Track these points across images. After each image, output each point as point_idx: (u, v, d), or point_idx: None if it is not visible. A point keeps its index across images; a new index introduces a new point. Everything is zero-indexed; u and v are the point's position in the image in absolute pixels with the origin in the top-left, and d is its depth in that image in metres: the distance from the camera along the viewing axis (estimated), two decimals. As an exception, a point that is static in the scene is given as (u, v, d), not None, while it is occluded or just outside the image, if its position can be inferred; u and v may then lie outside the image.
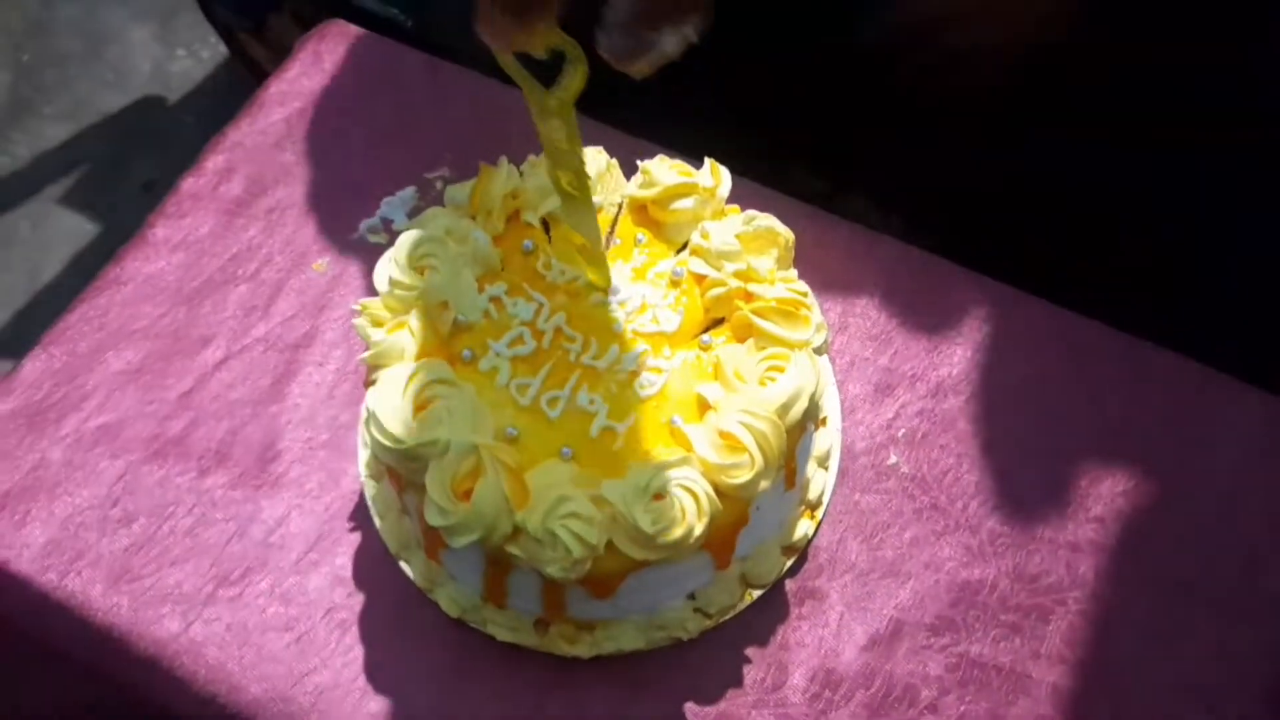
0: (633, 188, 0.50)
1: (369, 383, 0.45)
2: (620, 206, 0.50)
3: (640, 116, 0.60)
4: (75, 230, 1.25)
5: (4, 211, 1.27)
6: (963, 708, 0.46)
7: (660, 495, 0.41)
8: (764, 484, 0.42)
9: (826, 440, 0.51)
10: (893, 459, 0.52)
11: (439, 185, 0.59)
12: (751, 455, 0.41)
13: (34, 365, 0.55)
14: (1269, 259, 0.64)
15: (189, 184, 0.60)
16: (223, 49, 1.36)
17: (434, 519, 0.41)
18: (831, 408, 0.52)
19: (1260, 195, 0.64)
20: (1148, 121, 0.64)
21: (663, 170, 0.49)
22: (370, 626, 0.48)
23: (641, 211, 0.50)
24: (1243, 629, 0.47)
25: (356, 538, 0.50)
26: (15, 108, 1.35)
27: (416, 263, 0.46)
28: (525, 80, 0.41)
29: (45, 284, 1.22)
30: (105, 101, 1.35)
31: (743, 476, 0.41)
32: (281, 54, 1.00)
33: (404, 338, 0.44)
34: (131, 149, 1.31)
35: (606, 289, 0.47)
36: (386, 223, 0.58)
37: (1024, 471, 0.52)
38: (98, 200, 1.27)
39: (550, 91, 0.41)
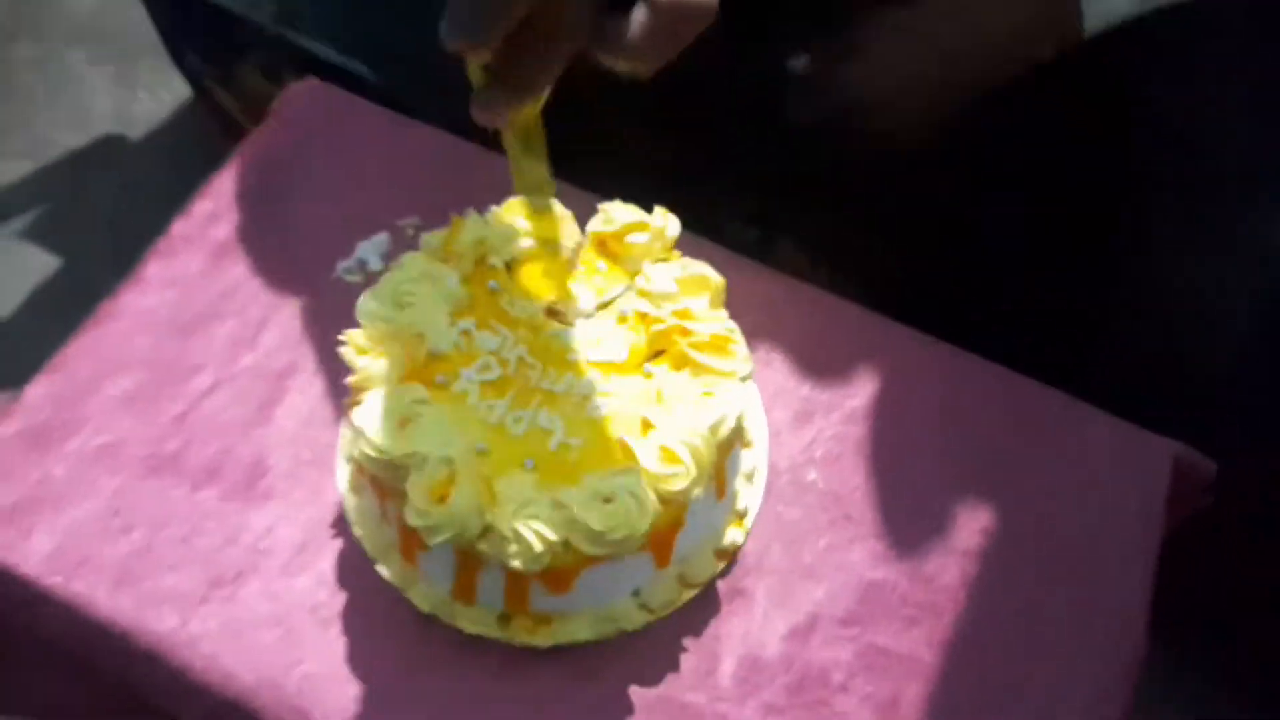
0: (595, 224, 0.57)
1: (352, 404, 0.51)
2: (579, 245, 0.57)
3: (590, 174, 0.67)
4: (38, 265, 1.28)
5: (-36, 247, 1.30)
6: (869, 688, 0.53)
7: (610, 499, 0.47)
8: (697, 491, 0.49)
9: (753, 459, 0.58)
10: (811, 476, 0.59)
11: (409, 231, 0.66)
12: (687, 466, 0.48)
13: (36, 390, 0.60)
14: (1167, 305, 0.71)
15: (179, 226, 0.66)
16: (184, 91, 1.40)
17: (415, 520, 0.47)
18: (758, 431, 0.59)
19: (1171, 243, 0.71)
20: (1053, 193, 0.72)
21: (620, 211, 0.57)
22: (351, 622, 0.53)
23: (602, 245, 0.57)
24: (1093, 610, 0.56)
25: (338, 544, 0.56)
26: (-24, 145, 1.38)
27: (397, 299, 0.52)
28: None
29: (6, 318, 1.24)
30: (66, 140, 1.39)
31: (679, 484, 0.48)
32: (247, 101, 1.06)
33: (385, 364, 0.51)
34: (94, 187, 1.35)
35: (557, 243, 0.54)
36: (361, 264, 0.65)
37: (921, 488, 0.59)
38: (60, 236, 1.31)
39: None
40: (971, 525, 0.58)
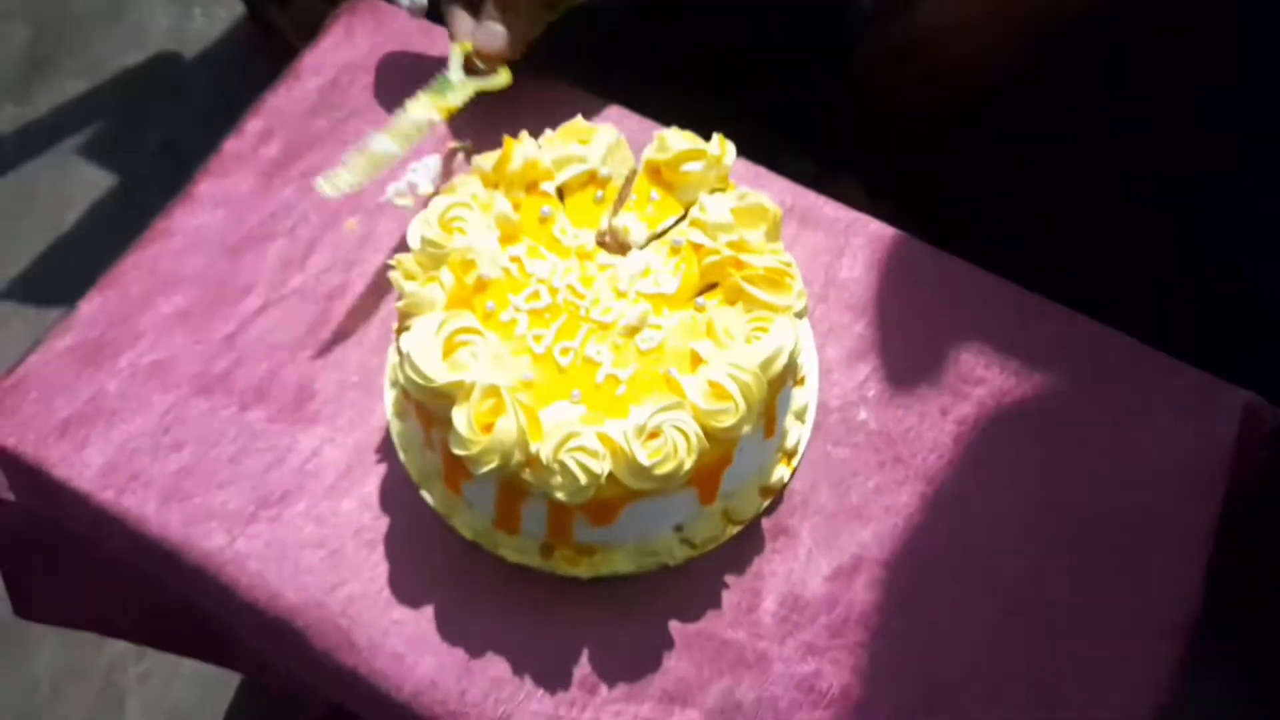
0: (649, 152, 0.56)
1: (401, 329, 0.51)
2: (632, 173, 0.56)
3: (644, 100, 0.65)
4: (93, 182, 1.29)
5: (24, 162, 1.32)
6: (910, 634, 0.53)
7: (656, 434, 0.47)
8: (746, 429, 0.48)
9: (804, 397, 0.57)
10: (862, 415, 0.58)
11: (461, 154, 0.65)
12: (736, 403, 0.47)
13: (90, 306, 0.60)
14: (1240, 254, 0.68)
15: (231, 145, 0.65)
16: (239, 10, 1.40)
17: (459, 450, 0.47)
18: (810, 368, 0.58)
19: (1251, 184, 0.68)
20: (1142, 115, 0.69)
21: (676, 139, 0.55)
22: (394, 546, 0.54)
23: (656, 173, 0.55)
24: (1151, 566, 0.54)
25: (383, 468, 0.56)
26: (35, 63, 1.39)
27: (447, 225, 0.51)
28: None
29: (64, 233, 1.26)
30: (122, 58, 1.39)
31: (728, 421, 0.47)
32: (300, 20, 1.05)
33: (434, 290, 0.50)
34: (148, 105, 1.35)
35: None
36: (412, 186, 0.64)
37: (977, 432, 0.58)
38: (115, 154, 1.32)
39: None
40: (1028, 472, 0.56)
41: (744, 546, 0.54)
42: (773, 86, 0.78)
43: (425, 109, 0.59)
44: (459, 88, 0.60)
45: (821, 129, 0.82)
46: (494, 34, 0.57)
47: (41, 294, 1.20)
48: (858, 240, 0.63)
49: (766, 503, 0.54)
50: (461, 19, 0.59)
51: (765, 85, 0.78)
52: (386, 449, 0.56)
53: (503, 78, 0.61)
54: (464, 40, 0.59)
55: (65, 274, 1.21)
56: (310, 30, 0.77)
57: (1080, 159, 0.71)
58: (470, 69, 0.61)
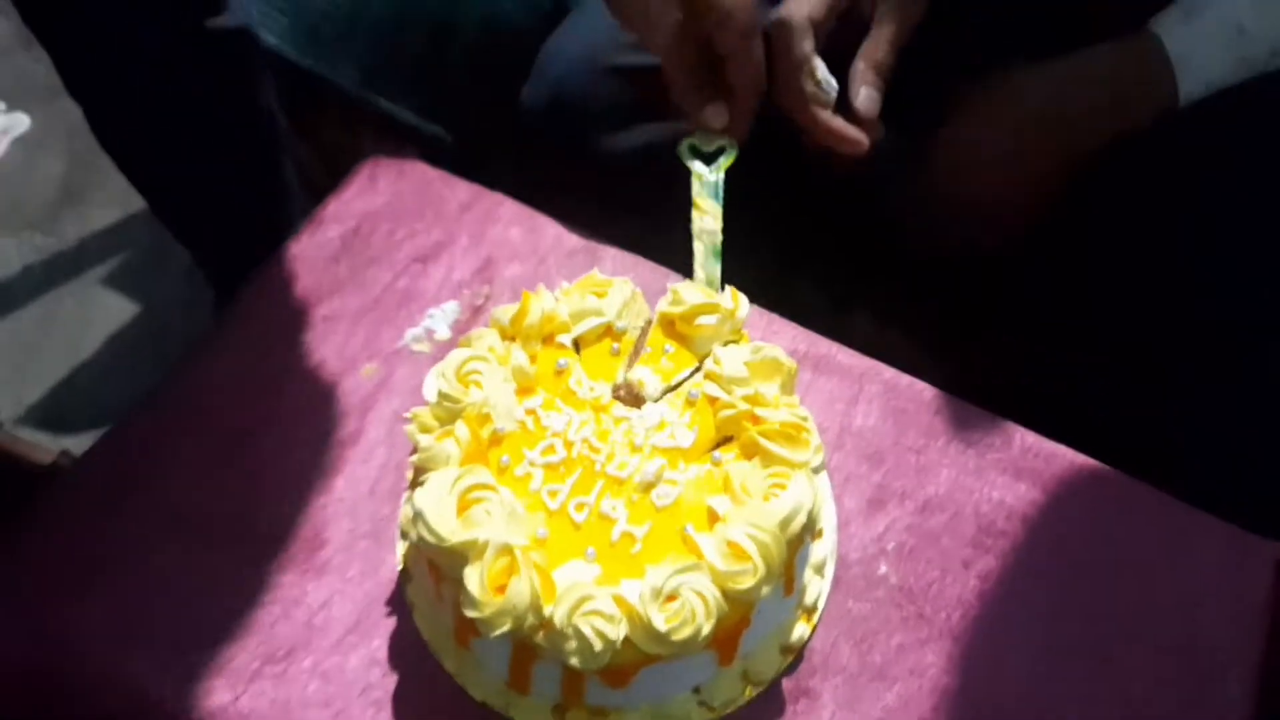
0: (663, 304, 0.56)
1: (415, 483, 0.50)
2: (647, 325, 0.56)
3: (663, 236, 0.66)
4: (116, 310, 1.31)
5: (49, 290, 1.34)
6: (941, 805, 0.50)
7: (673, 597, 0.46)
8: (766, 590, 0.47)
9: (822, 550, 0.56)
10: (883, 569, 0.57)
11: (479, 300, 0.65)
12: (755, 564, 0.46)
13: (98, 453, 0.60)
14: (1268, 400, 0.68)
15: (253, 288, 0.66)
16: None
17: (471, 612, 0.45)
18: (827, 520, 0.57)
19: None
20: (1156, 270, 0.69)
21: (690, 292, 0.56)
22: (402, 707, 0.52)
23: (670, 325, 0.56)
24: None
25: (392, 623, 0.54)
26: (66, 194, 1.43)
27: (464, 378, 0.52)
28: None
29: (84, 360, 1.27)
30: (152, 191, 1.43)
31: (747, 583, 0.46)
32: (325, 156, 1.08)
33: (449, 445, 0.50)
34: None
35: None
36: (430, 333, 0.64)
37: (1002, 587, 0.56)
38: (140, 283, 1.34)
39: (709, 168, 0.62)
40: (1058, 630, 0.55)
41: (764, 709, 0.52)
42: (789, 219, 0.79)
43: (710, 214, 0.62)
44: (710, 174, 0.63)
45: (837, 262, 0.83)
46: (719, 113, 0.63)
47: (59, 423, 1.21)
48: (873, 387, 0.63)
49: (787, 662, 0.53)
50: (693, 101, 0.64)
51: (782, 218, 0.79)
52: (395, 603, 0.55)
53: (731, 151, 0.64)
54: (700, 116, 0.63)
55: (83, 403, 1.22)
56: (334, 164, 0.79)
57: (1106, 298, 0.71)
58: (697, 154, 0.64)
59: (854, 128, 0.64)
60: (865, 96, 0.64)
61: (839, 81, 0.64)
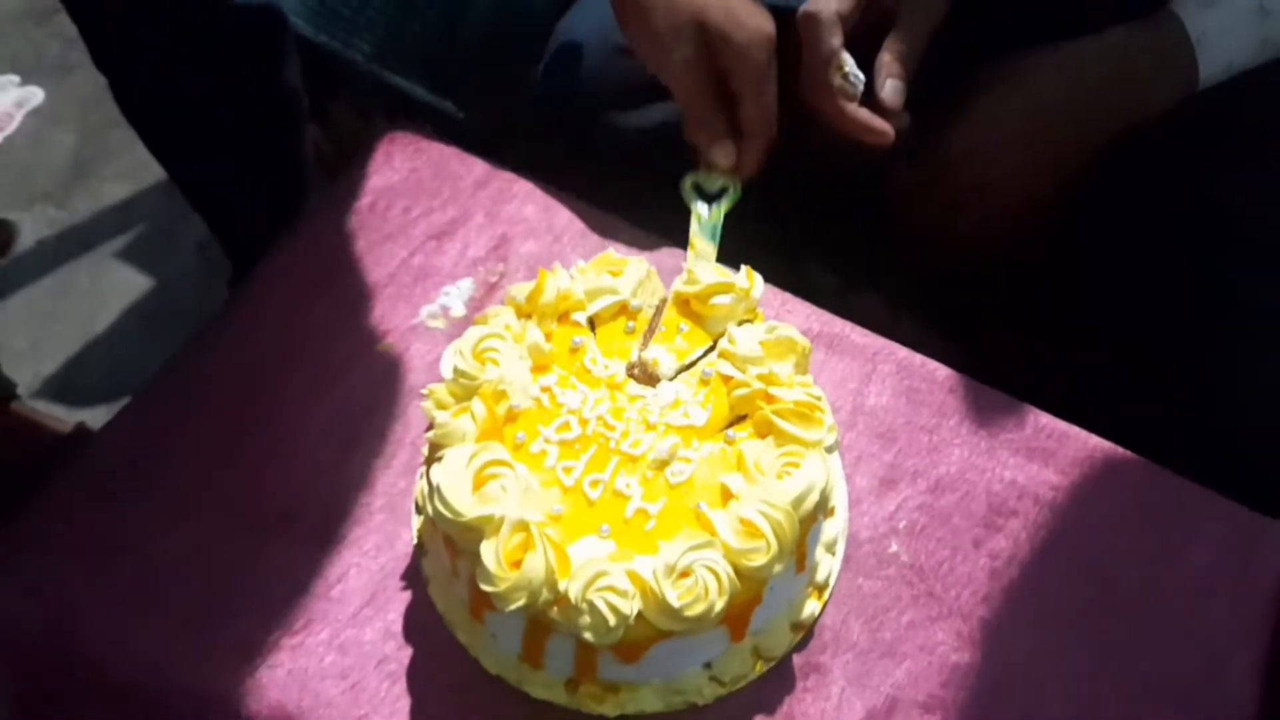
0: (678, 283, 0.56)
1: (431, 460, 0.51)
2: (662, 303, 0.56)
3: (676, 213, 0.66)
4: (129, 285, 1.32)
5: (63, 264, 1.34)
6: (949, 780, 0.51)
7: (686, 573, 0.46)
8: (778, 567, 0.47)
9: (834, 528, 0.56)
10: (893, 548, 0.57)
11: (493, 278, 0.66)
12: (768, 541, 0.47)
13: (114, 430, 0.61)
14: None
15: (268, 264, 0.67)
16: (278, 122, 1.44)
17: (486, 586, 0.46)
18: (839, 498, 0.57)
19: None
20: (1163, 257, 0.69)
21: (705, 271, 0.56)
22: (417, 679, 0.53)
23: (685, 305, 0.56)
24: (1202, 706, 0.52)
25: (407, 596, 0.55)
26: (78, 168, 1.43)
27: (480, 355, 0.52)
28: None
29: (98, 334, 1.28)
30: (164, 165, 1.43)
31: (759, 560, 0.47)
32: (338, 135, 1.08)
33: (465, 421, 0.50)
34: (186, 210, 1.39)
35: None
36: (445, 310, 0.65)
37: (1012, 566, 0.57)
38: (152, 257, 1.34)
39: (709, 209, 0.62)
40: (1067, 609, 0.55)
41: (774, 685, 0.53)
42: (799, 203, 0.79)
43: (703, 256, 0.61)
44: (711, 218, 0.62)
45: (846, 244, 0.83)
46: (727, 152, 0.62)
47: (73, 395, 1.22)
48: (886, 367, 0.63)
49: (797, 639, 0.53)
50: (701, 136, 0.63)
51: (792, 201, 0.79)
52: (411, 576, 0.55)
53: (734, 193, 0.63)
54: (707, 152, 0.63)
55: (97, 376, 1.23)
56: (347, 144, 0.79)
57: (1109, 286, 0.71)
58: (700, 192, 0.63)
59: (879, 119, 0.64)
60: (891, 88, 0.64)
61: (864, 73, 0.64)
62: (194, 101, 0.83)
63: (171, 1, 0.76)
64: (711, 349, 0.55)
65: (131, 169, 1.42)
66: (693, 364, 0.54)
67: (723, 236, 0.62)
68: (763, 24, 0.61)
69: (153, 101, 0.86)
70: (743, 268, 0.56)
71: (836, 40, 0.63)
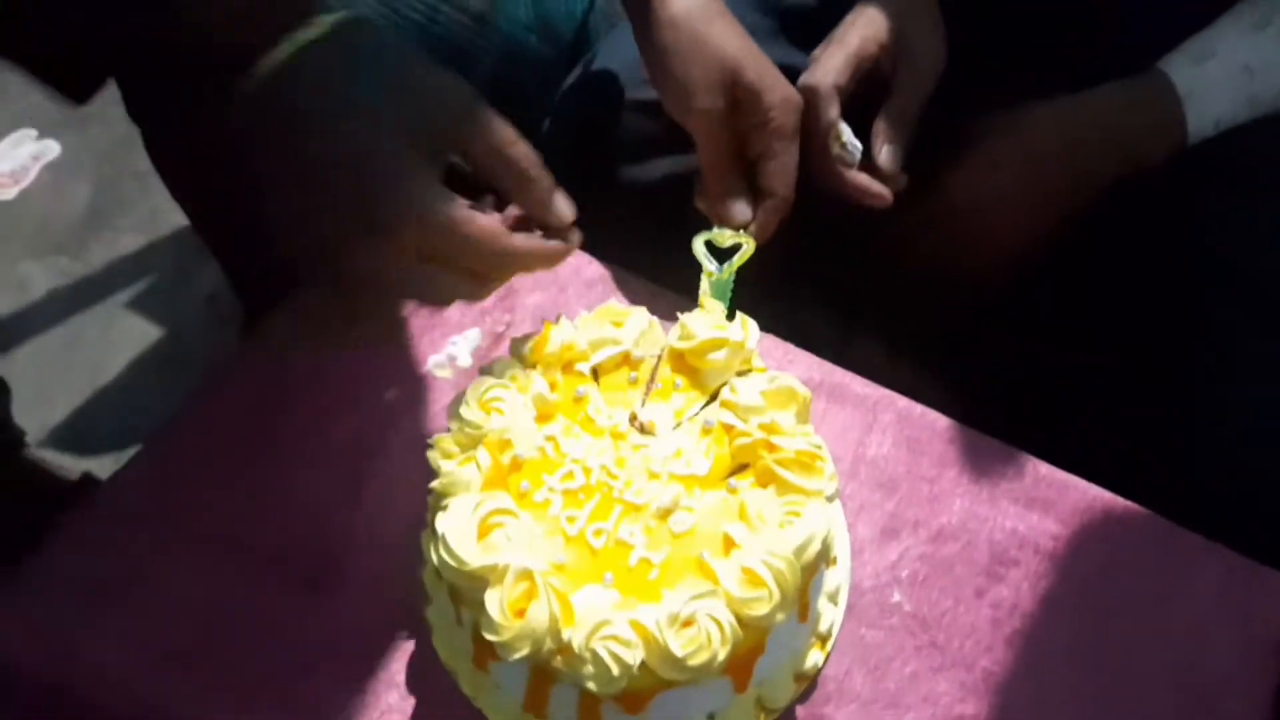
0: (672, 338, 0.57)
1: (436, 508, 0.51)
2: (660, 355, 0.57)
3: (682, 266, 0.67)
4: (139, 335, 1.33)
5: (74, 314, 1.36)
6: (954, 833, 0.51)
7: (690, 622, 0.46)
8: (780, 616, 0.48)
9: (836, 578, 0.56)
10: (896, 597, 0.57)
11: (500, 328, 0.67)
12: (770, 590, 0.47)
13: (125, 472, 0.61)
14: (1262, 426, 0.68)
15: (278, 314, 0.68)
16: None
17: (490, 633, 0.46)
18: (841, 548, 0.57)
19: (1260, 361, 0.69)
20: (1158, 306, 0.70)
21: (699, 324, 0.56)
22: (420, 728, 0.53)
23: (680, 359, 0.57)
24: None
25: (411, 645, 0.55)
26: (93, 219, 1.45)
27: (485, 405, 0.53)
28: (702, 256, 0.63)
29: (107, 383, 1.29)
30: (177, 217, 1.45)
31: (762, 609, 0.47)
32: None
33: (471, 471, 0.51)
34: (197, 261, 1.41)
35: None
36: (452, 359, 0.66)
37: (1014, 617, 0.57)
38: (162, 308, 1.36)
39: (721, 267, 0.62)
40: (1070, 660, 0.55)
41: (778, 736, 0.53)
42: (798, 249, 0.80)
43: (712, 315, 0.59)
44: (723, 275, 0.63)
45: (844, 290, 0.84)
46: (744, 210, 0.64)
47: (81, 444, 1.22)
48: (886, 417, 0.64)
49: (801, 689, 0.53)
50: (720, 192, 0.65)
51: (790, 248, 0.80)
52: (415, 625, 0.56)
53: (748, 247, 0.64)
54: (723, 209, 0.64)
55: (105, 426, 1.23)
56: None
57: (1109, 329, 0.72)
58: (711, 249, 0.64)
59: (877, 183, 0.66)
60: (888, 154, 0.66)
61: (860, 138, 0.66)
62: (224, 151, 0.84)
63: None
64: (713, 399, 0.55)
65: (145, 221, 1.44)
66: (690, 419, 0.55)
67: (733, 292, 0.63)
68: (793, 89, 0.64)
69: (185, 151, 0.87)
70: (738, 316, 0.57)
71: (834, 111, 0.65)
